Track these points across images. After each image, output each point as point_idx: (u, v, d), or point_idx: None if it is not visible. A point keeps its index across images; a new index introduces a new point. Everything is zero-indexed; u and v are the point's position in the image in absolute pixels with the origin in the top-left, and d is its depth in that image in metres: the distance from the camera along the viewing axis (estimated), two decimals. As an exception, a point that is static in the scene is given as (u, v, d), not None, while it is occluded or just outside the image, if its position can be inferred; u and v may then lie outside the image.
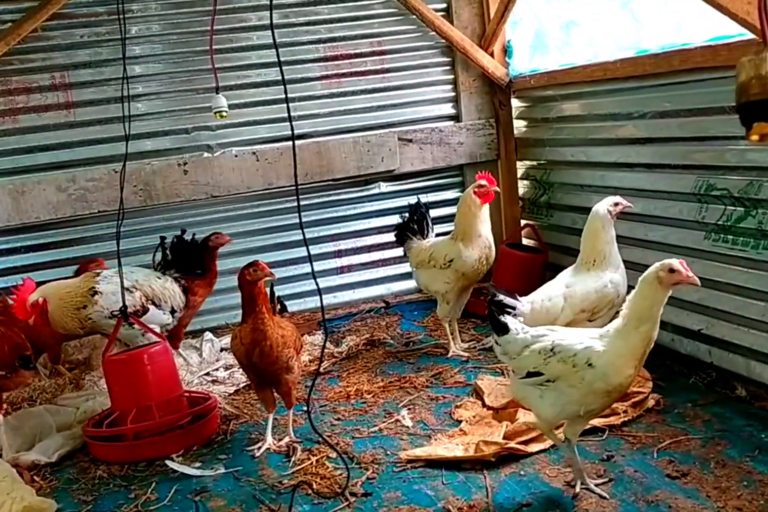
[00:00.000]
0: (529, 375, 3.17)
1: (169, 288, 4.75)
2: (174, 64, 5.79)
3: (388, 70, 6.24)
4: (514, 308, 3.98)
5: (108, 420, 4.07)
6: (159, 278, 4.79)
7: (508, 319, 3.33)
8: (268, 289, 3.93)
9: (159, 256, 4.97)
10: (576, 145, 5.46)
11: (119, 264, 4.42)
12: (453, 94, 6.39)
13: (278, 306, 4.25)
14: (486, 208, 4.94)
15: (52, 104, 5.55)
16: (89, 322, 4.44)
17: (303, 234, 3.41)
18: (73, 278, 4.78)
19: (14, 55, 5.42)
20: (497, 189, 4.97)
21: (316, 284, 3.46)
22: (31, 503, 3.43)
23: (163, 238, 4.96)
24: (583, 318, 3.96)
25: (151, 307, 4.61)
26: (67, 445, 4.09)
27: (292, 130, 3.35)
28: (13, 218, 5.38)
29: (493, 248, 4.95)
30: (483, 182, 4.91)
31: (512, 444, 3.49)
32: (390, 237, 5.73)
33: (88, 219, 5.62)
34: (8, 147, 5.51)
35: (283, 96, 5.71)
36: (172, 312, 4.76)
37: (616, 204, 4.07)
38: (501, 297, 3.98)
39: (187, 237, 5.00)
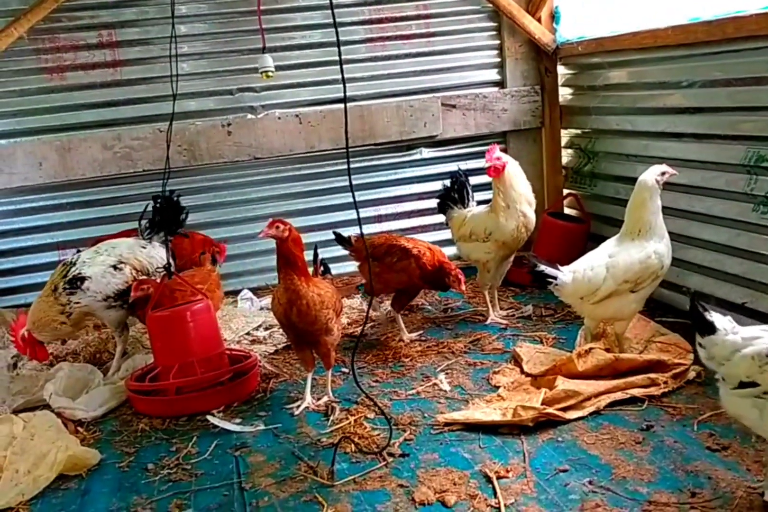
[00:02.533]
0: (743, 385, 2.73)
1: (156, 257, 4.69)
2: (219, 24, 5.79)
3: (433, 34, 6.18)
4: (555, 278, 3.98)
5: (150, 375, 4.16)
6: (144, 248, 4.74)
7: (714, 317, 2.82)
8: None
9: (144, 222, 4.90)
10: (622, 113, 5.38)
11: (166, 224, 4.47)
12: (498, 59, 6.32)
13: (321, 268, 4.29)
14: (512, 178, 4.86)
15: (99, 62, 5.60)
16: (79, 310, 4.41)
17: (354, 198, 3.38)
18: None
19: (62, 13, 5.47)
20: (492, 163, 4.82)
21: (365, 247, 3.49)
22: (76, 452, 3.55)
23: (156, 198, 4.87)
24: (625, 288, 3.92)
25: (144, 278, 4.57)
26: (113, 399, 4.19)
27: (345, 92, 3.30)
28: (59, 174, 5.48)
29: (530, 216, 4.89)
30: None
31: (550, 410, 3.49)
32: (430, 203, 5.74)
33: (133, 177, 5.69)
34: (55, 104, 5.58)
35: (327, 59, 5.89)
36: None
37: (663, 173, 4.00)
38: (542, 267, 3.98)
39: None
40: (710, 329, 2.80)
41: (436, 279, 4.60)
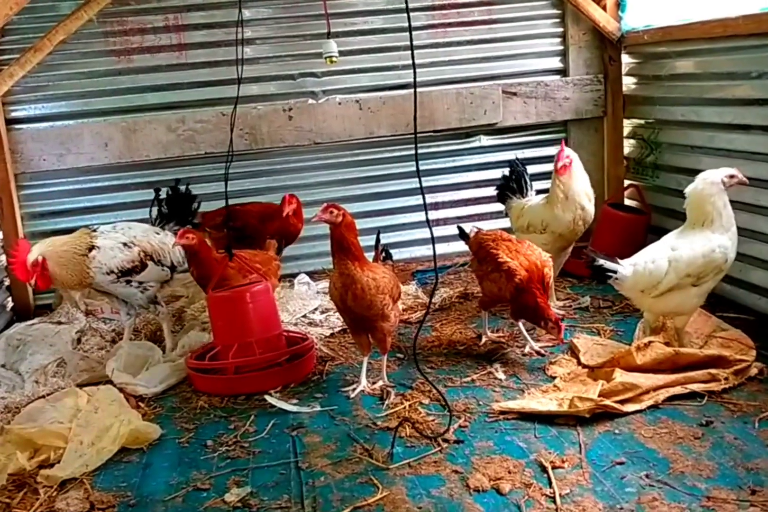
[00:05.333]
0: None
1: (169, 244, 4.66)
2: (282, 9, 5.84)
3: (495, 21, 6.14)
4: (615, 272, 3.94)
5: (210, 354, 4.24)
6: (157, 234, 4.72)
7: None
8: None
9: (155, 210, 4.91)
10: (688, 104, 5.28)
11: (227, 205, 4.54)
12: (561, 47, 6.24)
13: (382, 254, 4.31)
14: (574, 173, 4.84)
15: (165, 45, 5.70)
16: (89, 279, 4.41)
17: (420, 184, 3.40)
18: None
19: (131, -4, 5.57)
20: (563, 162, 4.83)
21: (431, 233, 3.51)
22: (138, 426, 3.65)
23: (157, 190, 4.90)
24: (687, 282, 3.86)
25: (150, 263, 4.57)
26: (173, 376, 4.29)
27: (415, 78, 3.26)
28: (124, 155, 5.61)
29: (588, 209, 4.87)
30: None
31: (608, 402, 3.47)
32: (488, 191, 5.74)
33: (196, 160, 5.78)
34: (122, 86, 5.70)
35: (388, 45, 5.90)
36: (172, 267, 4.72)
37: (732, 176, 3.86)
38: (601, 261, 3.94)
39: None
40: None
41: (526, 312, 4.18)
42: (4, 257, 5.52)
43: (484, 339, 4.53)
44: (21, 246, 4.36)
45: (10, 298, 5.60)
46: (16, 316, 5.53)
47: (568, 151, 4.90)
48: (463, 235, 4.71)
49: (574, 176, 4.86)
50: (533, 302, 4.10)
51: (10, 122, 5.54)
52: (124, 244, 4.50)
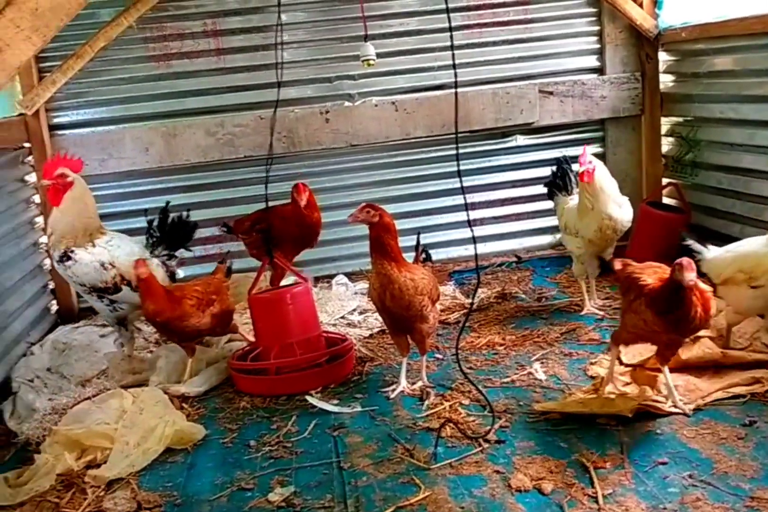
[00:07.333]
0: None
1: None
2: (319, 12, 5.87)
3: (531, 21, 6.12)
4: (699, 253, 3.97)
5: (252, 355, 4.29)
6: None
7: None
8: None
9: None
10: (726, 101, 5.24)
11: (267, 207, 4.58)
12: (597, 46, 6.20)
13: (422, 256, 4.33)
14: (601, 181, 4.69)
15: (204, 50, 5.77)
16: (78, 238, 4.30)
17: (461, 182, 3.44)
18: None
19: (169, 2, 5.65)
20: (586, 167, 4.62)
21: (472, 232, 3.55)
22: (182, 427, 3.70)
23: (145, 211, 4.73)
24: (740, 279, 3.80)
25: (125, 288, 4.35)
26: (214, 378, 4.35)
27: (456, 77, 3.31)
28: (165, 159, 5.70)
29: (617, 217, 4.69)
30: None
31: (650, 402, 3.46)
32: (524, 191, 5.72)
33: (235, 163, 5.86)
34: (162, 91, 5.79)
35: (424, 46, 5.92)
36: None
37: None
38: (690, 241, 4.02)
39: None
40: None
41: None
42: (48, 261, 5.64)
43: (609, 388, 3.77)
44: (77, 161, 4.36)
45: (54, 301, 5.72)
46: (60, 319, 5.64)
47: (590, 156, 4.71)
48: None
49: (603, 186, 4.70)
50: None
51: (53, 128, 5.66)
52: (102, 264, 4.30)
